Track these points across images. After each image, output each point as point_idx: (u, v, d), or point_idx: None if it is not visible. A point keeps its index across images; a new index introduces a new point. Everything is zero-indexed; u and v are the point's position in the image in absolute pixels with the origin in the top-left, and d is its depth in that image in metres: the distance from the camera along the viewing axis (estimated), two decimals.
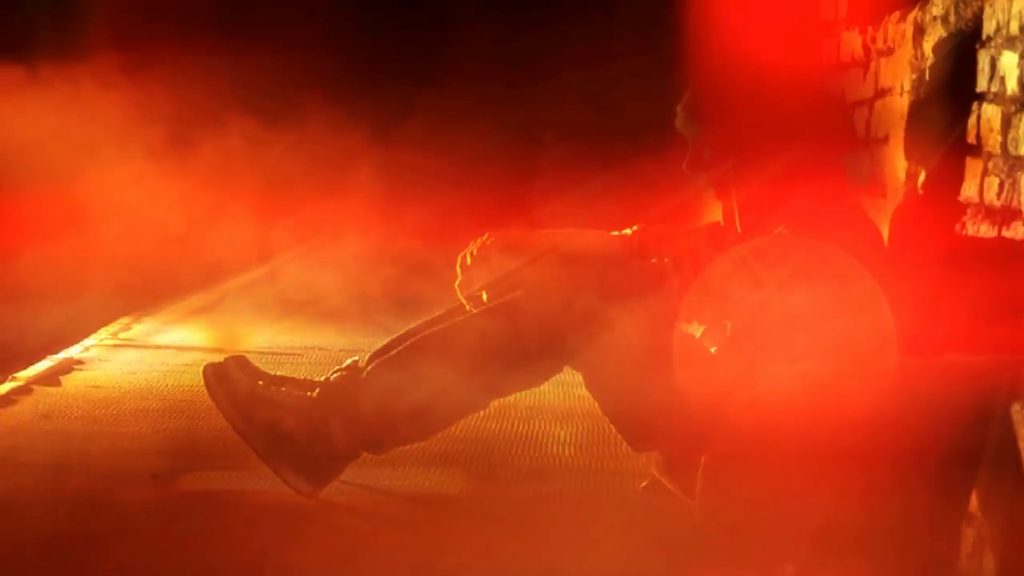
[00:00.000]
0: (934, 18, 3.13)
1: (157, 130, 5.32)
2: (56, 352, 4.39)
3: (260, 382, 3.00)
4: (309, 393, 2.98)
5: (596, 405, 3.01)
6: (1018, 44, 2.63)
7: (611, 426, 3.03)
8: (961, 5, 2.96)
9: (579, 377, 3.00)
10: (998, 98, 2.71)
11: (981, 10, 2.79)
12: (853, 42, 3.83)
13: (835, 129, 2.96)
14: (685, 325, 2.87)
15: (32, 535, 2.75)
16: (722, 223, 3.04)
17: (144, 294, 5.37)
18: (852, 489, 2.63)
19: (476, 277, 3.02)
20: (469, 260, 3.03)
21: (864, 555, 2.59)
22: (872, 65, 3.66)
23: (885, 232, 3.05)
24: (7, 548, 2.67)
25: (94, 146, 5.25)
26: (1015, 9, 2.64)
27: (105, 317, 5.00)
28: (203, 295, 5.63)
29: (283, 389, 2.99)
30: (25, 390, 3.90)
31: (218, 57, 6.45)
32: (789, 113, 2.89)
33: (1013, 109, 2.64)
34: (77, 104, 5.32)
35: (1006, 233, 2.67)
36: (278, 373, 3.09)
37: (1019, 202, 2.61)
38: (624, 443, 3.05)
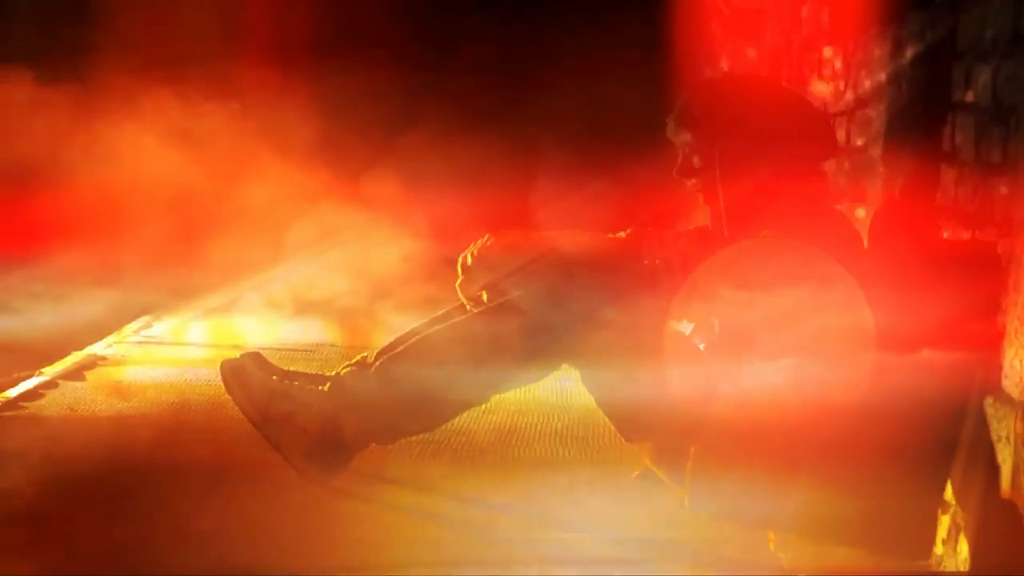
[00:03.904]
0: (911, 33, 3.13)
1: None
2: (81, 349, 4.38)
3: (274, 377, 2.99)
4: (320, 387, 2.97)
5: (591, 399, 3.01)
6: (991, 57, 2.63)
7: (605, 418, 3.03)
8: (937, 21, 2.96)
9: (575, 372, 3.00)
10: (972, 108, 2.71)
11: (956, 25, 2.79)
12: (834, 55, 3.83)
13: (817, 138, 2.95)
14: (676, 323, 2.86)
15: (58, 525, 2.75)
16: (710, 227, 3.04)
17: (164, 292, 5.37)
18: (833, 478, 2.63)
19: (476, 277, 3.01)
20: (470, 261, 3.03)
21: (844, 541, 2.59)
22: (852, 77, 3.66)
23: (864, 235, 3.05)
24: (34, 537, 2.67)
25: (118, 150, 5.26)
26: (987, 24, 2.64)
27: (127, 315, 5.00)
28: (221, 294, 5.62)
29: (296, 383, 2.99)
30: (51, 384, 3.89)
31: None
32: (774, 123, 2.89)
33: (986, 119, 2.64)
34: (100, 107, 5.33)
35: (979, 236, 2.67)
36: (291, 368, 3.09)
37: (991, 207, 2.62)
38: (618, 434, 3.05)
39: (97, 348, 4.45)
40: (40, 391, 3.81)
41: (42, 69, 5.34)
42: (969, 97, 2.72)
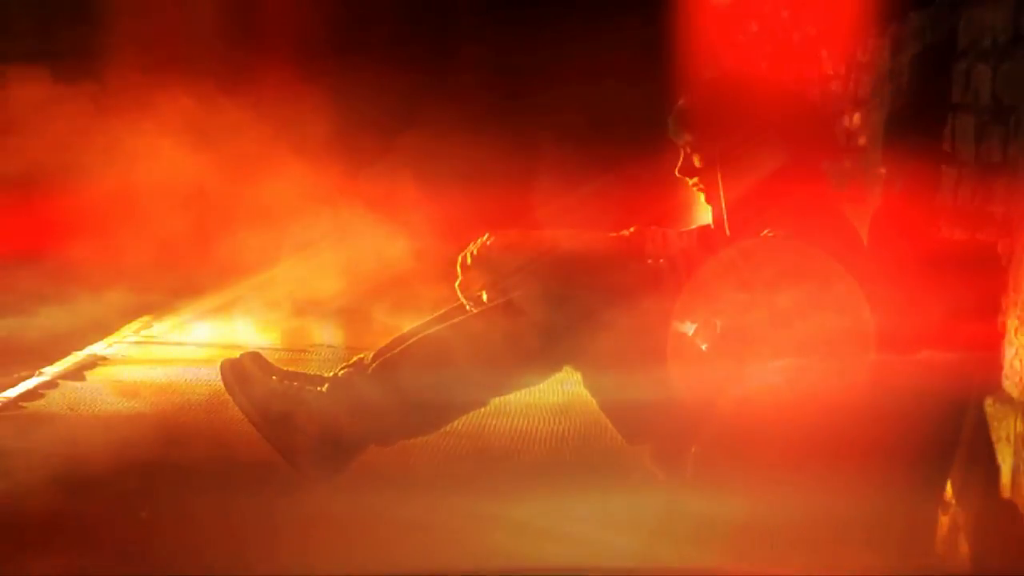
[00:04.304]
0: (911, 33, 3.14)
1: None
2: (81, 349, 4.40)
3: (274, 377, 3.00)
4: (319, 388, 2.97)
5: (593, 401, 3.01)
6: (991, 57, 2.64)
7: (607, 421, 3.03)
8: (937, 21, 2.97)
9: (576, 374, 2.99)
10: (971, 109, 2.72)
11: (956, 25, 2.80)
12: (835, 55, 3.84)
13: (817, 137, 2.96)
14: (678, 323, 2.87)
15: (59, 522, 2.76)
16: (712, 226, 3.04)
17: (163, 293, 5.38)
18: (834, 478, 2.64)
19: (476, 277, 3.01)
20: (469, 260, 3.03)
21: (844, 541, 2.60)
22: (853, 77, 3.67)
23: (864, 235, 3.06)
24: (34, 537, 2.69)
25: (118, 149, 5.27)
26: (988, 24, 2.65)
27: (127, 315, 5.01)
28: (220, 294, 5.63)
29: (295, 384, 2.99)
30: (52, 384, 3.91)
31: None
32: (774, 122, 2.90)
33: (986, 119, 2.65)
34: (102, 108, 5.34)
35: (978, 236, 2.68)
36: (290, 369, 3.09)
37: (991, 207, 2.63)
38: (619, 437, 3.05)
39: (97, 348, 4.46)
40: (40, 391, 3.83)
41: (42, 69, 5.37)
42: (969, 97, 2.73)
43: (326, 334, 4.89)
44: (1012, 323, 2.49)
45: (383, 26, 8.27)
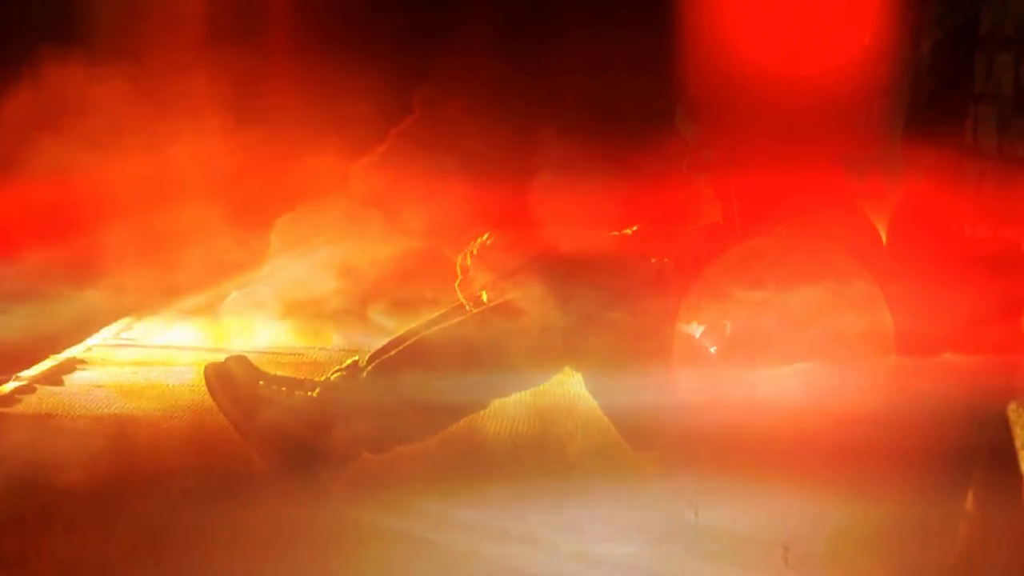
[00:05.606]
0: (932, 20, 3.15)
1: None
2: (59, 352, 4.40)
3: (260, 382, 3.00)
4: (309, 393, 2.98)
5: (595, 404, 3.02)
6: (1013, 45, 2.65)
7: (611, 425, 3.04)
8: (958, 7, 2.99)
9: (579, 376, 3.01)
10: (994, 99, 2.73)
11: (977, 12, 2.81)
12: (852, 44, 3.85)
13: (834, 129, 2.97)
14: (685, 325, 2.88)
15: (35, 531, 2.78)
16: (722, 223, 3.05)
17: (146, 292, 5.38)
18: (849, 487, 2.65)
19: (476, 277, 3.03)
20: (469, 260, 3.05)
21: (861, 552, 2.61)
22: (871, 67, 3.68)
23: (883, 232, 3.06)
24: (10, 543, 2.71)
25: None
26: (1009, 11, 2.66)
27: (107, 317, 5.02)
28: (205, 294, 5.64)
29: (283, 389, 2.99)
30: (29, 389, 3.91)
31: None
32: (789, 114, 2.91)
33: (1008, 110, 2.67)
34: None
35: (1003, 234, 2.69)
36: (278, 373, 3.10)
37: (1015, 203, 2.64)
38: (624, 442, 3.06)
39: (76, 351, 4.47)
40: (17, 396, 3.84)
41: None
42: (991, 87, 2.74)
43: (317, 336, 4.89)
44: None
45: (371, 7, 8.26)
